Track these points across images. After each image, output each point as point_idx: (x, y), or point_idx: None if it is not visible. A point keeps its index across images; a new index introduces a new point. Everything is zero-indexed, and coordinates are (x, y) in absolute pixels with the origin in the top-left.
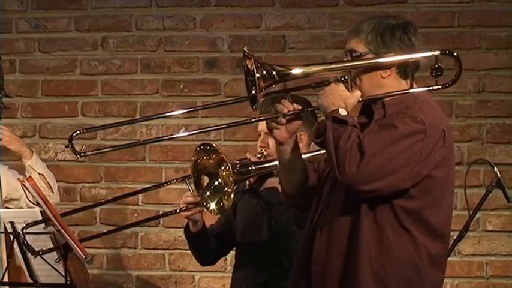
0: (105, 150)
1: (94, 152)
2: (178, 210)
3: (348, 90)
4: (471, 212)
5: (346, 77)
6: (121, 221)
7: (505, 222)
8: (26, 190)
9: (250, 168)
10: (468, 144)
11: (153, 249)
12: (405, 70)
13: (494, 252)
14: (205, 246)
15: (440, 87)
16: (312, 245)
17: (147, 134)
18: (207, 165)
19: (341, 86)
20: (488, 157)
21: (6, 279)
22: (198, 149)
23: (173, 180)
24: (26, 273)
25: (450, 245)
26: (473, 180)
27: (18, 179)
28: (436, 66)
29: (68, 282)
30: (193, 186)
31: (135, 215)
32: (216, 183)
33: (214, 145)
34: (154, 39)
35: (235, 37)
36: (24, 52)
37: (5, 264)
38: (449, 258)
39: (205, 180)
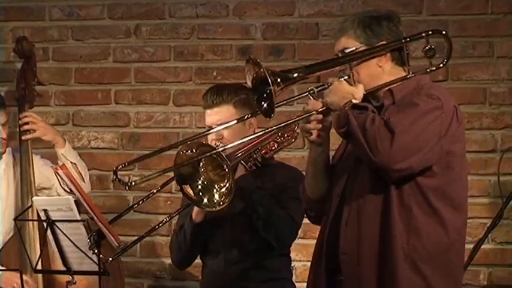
0: (152, 176)
1: (143, 180)
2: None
3: (351, 85)
4: (504, 200)
5: (345, 75)
6: (154, 208)
7: None
8: (59, 178)
9: (235, 155)
10: (501, 131)
11: None
12: (400, 56)
13: None
14: (197, 242)
15: (435, 68)
16: (335, 237)
17: (180, 121)
18: (186, 169)
19: (344, 83)
20: None
21: (39, 266)
22: (177, 155)
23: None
24: (60, 260)
25: (485, 233)
26: (506, 167)
27: (51, 166)
28: (428, 47)
29: (102, 270)
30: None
31: (168, 202)
32: (201, 184)
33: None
34: (187, 27)
35: (268, 24)
36: (58, 40)
37: (39, 252)
38: (482, 246)
39: (189, 189)
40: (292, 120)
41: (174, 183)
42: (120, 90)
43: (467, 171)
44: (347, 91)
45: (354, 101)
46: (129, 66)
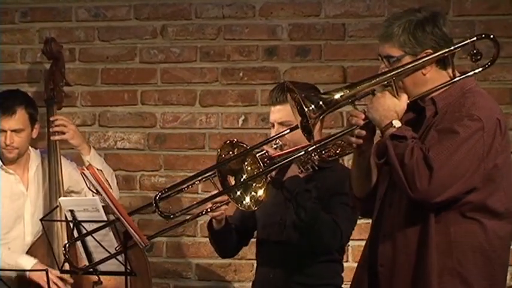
0: (191, 208)
1: (183, 211)
2: (204, 212)
3: (394, 96)
4: None
5: (390, 83)
6: (179, 208)
7: None
8: (85, 178)
9: (277, 159)
10: None
11: None
12: (444, 61)
13: None
14: (226, 241)
15: (481, 69)
16: (376, 245)
17: (206, 122)
18: (230, 163)
19: (387, 94)
20: None
21: (66, 267)
22: (223, 145)
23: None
24: (86, 261)
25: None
26: None
27: (78, 167)
28: (475, 51)
29: (128, 270)
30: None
31: (194, 203)
32: (243, 179)
33: (237, 140)
34: (213, 28)
35: (295, 25)
36: (84, 41)
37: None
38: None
39: (231, 179)
40: (337, 136)
41: (200, 184)
42: (146, 90)
43: (510, 180)
44: (389, 107)
45: (395, 123)
46: (156, 67)
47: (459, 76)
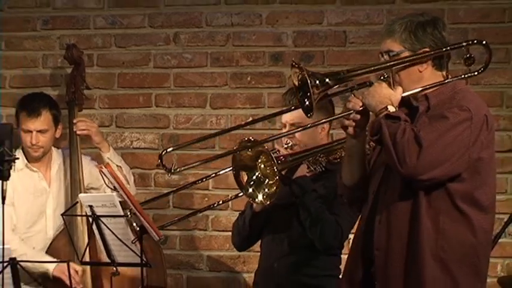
0: (193, 165)
1: (184, 167)
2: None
3: (390, 88)
4: None
5: (387, 76)
6: (191, 204)
7: None
8: (103, 176)
9: (288, 158)
10: None
11: (223, 231)
12: (440, 62)
13: None
14: (258, 226)
15: (475, 73)
16: (370, 232)
17: (216, 123)
18: (244, 159)
19: (384, 85)
20: None
21: (87, 259)
22: (240, 142)
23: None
24: (104, 254)
25: (502, 227)
26: None
27: (96, 165)
28: (468, 55)
29: (144, 262)
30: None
31: (206, 199)
32: (255, 176)
33: (254, 139)
34: (223, 35)
35: (299, 32)
36: (102, 47)
37: (83, 245)
38: (500, 240)
39: (244, 175)
40: (335, 117)
41: (211, 181)
42: (160, 94)
43: (495, 174)
44: (385, 95)
45: (390, 108)
46: (169, 72)
47: (451, 78)
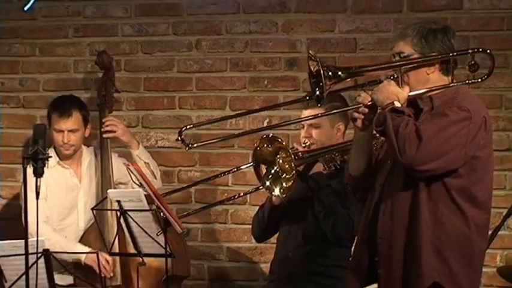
0: (208, 142)
1: (200, 143)
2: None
3: (399, 86)
4: None
5: (396, 76)
6: (213, 199)
7: None
8: (130, 173)
9: (305, 155)
10: None
11: (241, 224)
12: (446, 67)
13: None
14: (277, 219)
15: (479, 80)
16: (375, 222)
17: (235, 124)
18: (264, 154)
19: (392, 83)
20: None
21: (116, 250)
22: (261, 139)
23: (244, 165)
24: (131, 245)
25: (501, 221)
26: None
27: (123, 163)
28: (473, 62)
29: (168, 253)
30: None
31: (225, 194)
32: (273, 170)
33: (274, 135)
34: (241, 42)
35: (312, 39)
36: (129, 53)
37: (113, 237)
38: (499, 232)
39: (263, 168)
40: (345, 109)
41: (230, 176)
42: (183, 96)
43: (491, 176)
44: (392, 92)
45: (396, 104)
46: (191, 76)
47: (456, 82)
